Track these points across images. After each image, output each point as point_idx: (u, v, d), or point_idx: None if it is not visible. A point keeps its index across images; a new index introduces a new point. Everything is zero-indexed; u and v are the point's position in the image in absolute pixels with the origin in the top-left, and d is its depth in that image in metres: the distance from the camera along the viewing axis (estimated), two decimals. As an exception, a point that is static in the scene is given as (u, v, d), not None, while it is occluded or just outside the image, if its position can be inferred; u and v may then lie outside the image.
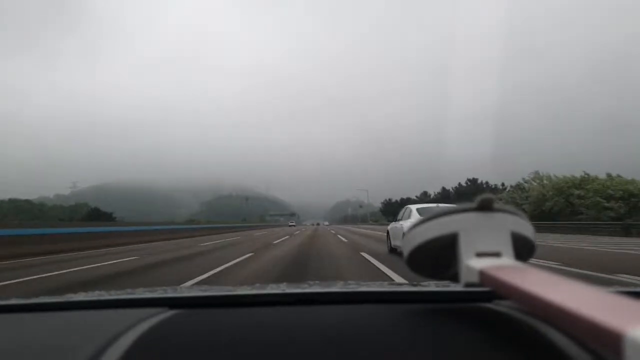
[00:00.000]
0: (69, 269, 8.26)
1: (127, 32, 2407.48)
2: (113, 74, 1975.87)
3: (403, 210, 10.49)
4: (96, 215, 63.89)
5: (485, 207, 0.56)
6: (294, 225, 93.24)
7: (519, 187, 37.88)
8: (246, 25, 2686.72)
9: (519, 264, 0.53)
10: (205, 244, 16.52)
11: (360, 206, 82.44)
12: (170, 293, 0.86)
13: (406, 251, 0.62)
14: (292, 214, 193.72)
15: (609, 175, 29.56)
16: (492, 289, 0.49)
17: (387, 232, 10.78)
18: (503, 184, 50.99)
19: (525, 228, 0.59)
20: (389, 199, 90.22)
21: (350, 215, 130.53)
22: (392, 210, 64.91)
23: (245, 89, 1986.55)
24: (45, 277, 7.15)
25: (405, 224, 8.88)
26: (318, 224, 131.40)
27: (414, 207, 9.76)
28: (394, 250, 9.57)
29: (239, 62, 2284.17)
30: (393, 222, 10.62)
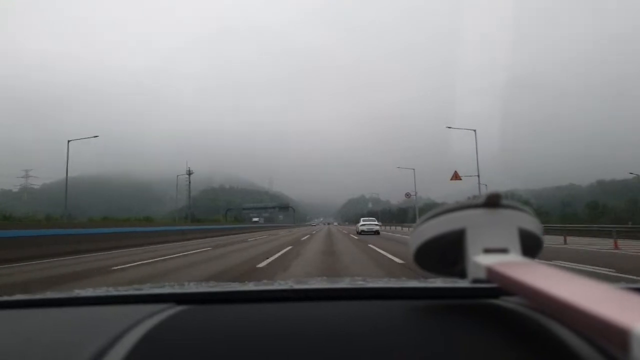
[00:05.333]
0: None
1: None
2: (81, 48, 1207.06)
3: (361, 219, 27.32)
4: None
5: (493, 203, 0.55)
6: (314, 226, 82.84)
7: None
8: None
9: (526, 260, 0.53)
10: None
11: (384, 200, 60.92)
12: (177, 289, 0.86)
13: (413, 247, 0.61)
14: (286, 207, 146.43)
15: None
16: (499, 285, 0.49)
17: (357, 227, 28.54)
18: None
19: (533, 224, 0.58)
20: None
21: (378, 211, 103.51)
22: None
23: (243, 71, 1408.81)
24: None
25: (359, 224, 27.30)
26: (329, 224, 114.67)
27: (362, 219, 27.85)
28: (359, 233, 25.29)
29: (239, 29, 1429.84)
30: (357, 224, 28.52)
